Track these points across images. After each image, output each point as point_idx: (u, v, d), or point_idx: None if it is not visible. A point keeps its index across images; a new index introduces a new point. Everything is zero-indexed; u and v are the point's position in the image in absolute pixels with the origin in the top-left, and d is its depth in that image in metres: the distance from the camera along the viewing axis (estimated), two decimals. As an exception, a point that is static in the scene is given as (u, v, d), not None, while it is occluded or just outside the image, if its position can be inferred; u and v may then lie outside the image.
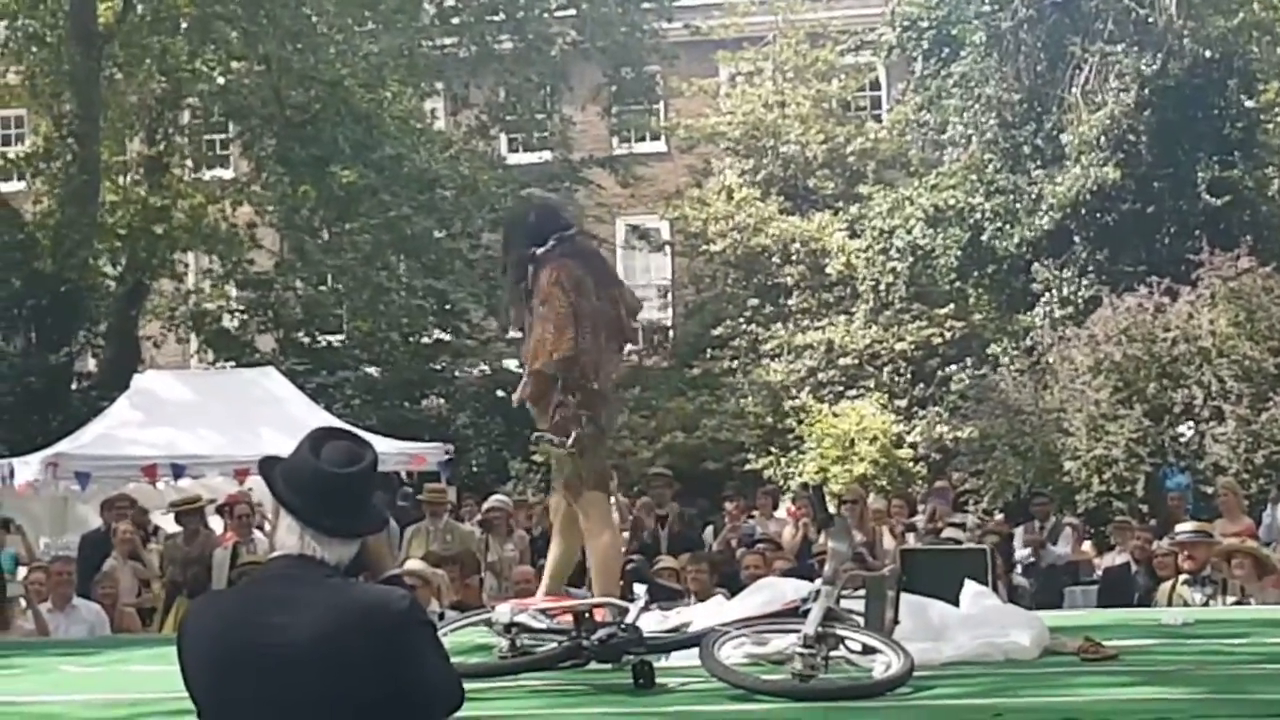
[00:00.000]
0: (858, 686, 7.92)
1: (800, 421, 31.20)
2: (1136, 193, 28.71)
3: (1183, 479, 23.86)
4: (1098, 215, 28.72)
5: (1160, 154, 28.90)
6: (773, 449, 31.04)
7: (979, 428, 26.92)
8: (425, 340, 34.06)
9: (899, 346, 31.76)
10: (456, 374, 34.38)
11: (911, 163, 33.94)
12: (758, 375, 32.54)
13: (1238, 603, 13.29)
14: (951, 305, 31.76)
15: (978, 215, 29.50)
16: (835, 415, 30.33)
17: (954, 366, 31.14)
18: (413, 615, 4.62)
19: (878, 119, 37.33)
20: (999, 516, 23.09)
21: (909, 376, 31.75)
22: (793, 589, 9.17)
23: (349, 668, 4.41)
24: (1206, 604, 13.26)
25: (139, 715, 8.05)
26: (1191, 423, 24.54)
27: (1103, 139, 28.35)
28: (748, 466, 30.32)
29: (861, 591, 8.61)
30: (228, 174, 35.39)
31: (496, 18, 34.54)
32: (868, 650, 8.26)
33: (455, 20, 34.92)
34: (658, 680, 8.19)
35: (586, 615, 8.48)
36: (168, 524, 19.78)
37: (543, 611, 8.66)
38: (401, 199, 30.53)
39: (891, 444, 29.81)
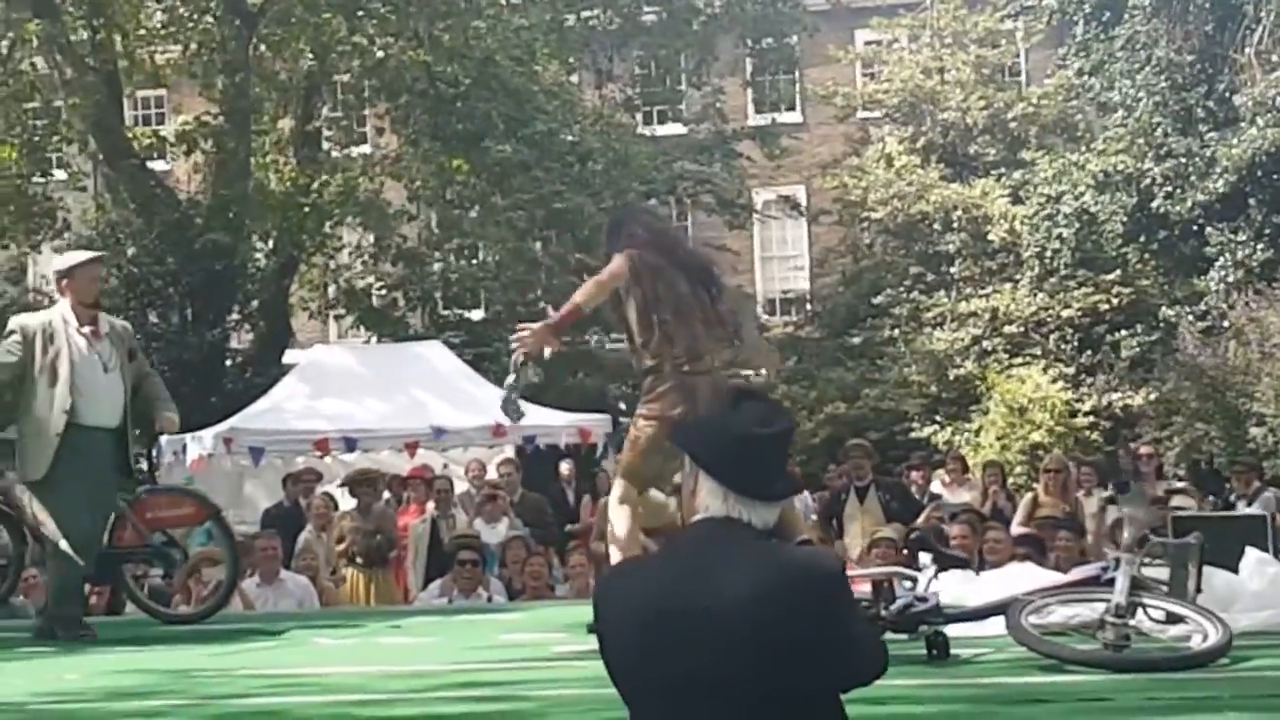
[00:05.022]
0: (1177, 657, 7.62)
1: (975, 388, 30.74)
2: (1314, 154, 27.97)
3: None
4: (1274, 177, 27.95)
5: (1339, 114, 28.14)
6: (938, 417, 30.62)
7: (1161, 392, 26.34)
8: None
9: (1065, 313, 31.10)
10: (607, 346, 34.20)
11: (1075, 128, 33.37)
12: (920, 344, 32.08)
13: None
14: (1118, 271, 31.07)
15: (1147, 180, 28.84)
16: (1015, 380, 29.77)
17: (1124, 332, 30.46)
18: (844, 578, 4.42)
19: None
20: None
21: (1076, 343, 31.12)
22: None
23: (784, 627, 4.18)
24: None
25: (430, 687, 7.82)
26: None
27: (1278, 99, 27.61)
28: (912, 434, 29.93)
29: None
30: (378, 149, 35.27)
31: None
32: (1172, 619, 8.00)
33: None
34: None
35: (885, 585, 8.22)
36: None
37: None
38: (554, 175, 30.30)
39: (1065, 411, 29.20)
